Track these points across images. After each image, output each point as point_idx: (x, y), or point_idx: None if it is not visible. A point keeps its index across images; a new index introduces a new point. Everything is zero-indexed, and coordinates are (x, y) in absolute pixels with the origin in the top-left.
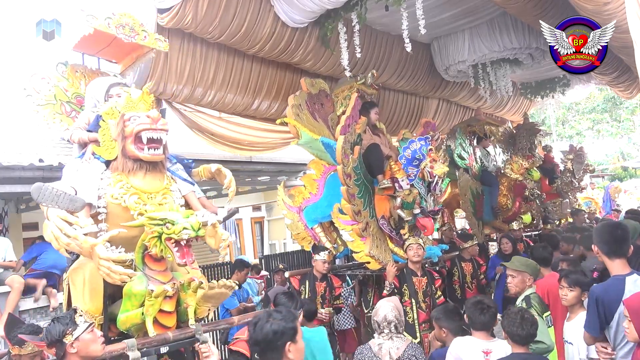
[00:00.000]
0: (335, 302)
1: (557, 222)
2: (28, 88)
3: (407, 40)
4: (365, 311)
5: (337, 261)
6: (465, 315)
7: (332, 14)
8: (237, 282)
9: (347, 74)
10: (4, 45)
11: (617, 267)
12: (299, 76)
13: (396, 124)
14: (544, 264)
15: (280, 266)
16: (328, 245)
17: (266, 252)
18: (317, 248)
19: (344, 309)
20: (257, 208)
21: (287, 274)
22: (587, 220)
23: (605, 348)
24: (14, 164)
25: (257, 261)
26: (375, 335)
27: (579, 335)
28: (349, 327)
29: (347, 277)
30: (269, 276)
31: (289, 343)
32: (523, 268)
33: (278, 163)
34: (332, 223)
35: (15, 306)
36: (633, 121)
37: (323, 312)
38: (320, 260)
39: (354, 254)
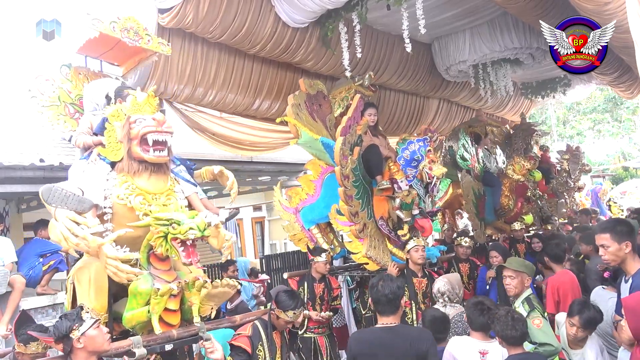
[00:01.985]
0: (333, 303)
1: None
2: (33, 89)
3: (407, 40)
4: (363, 312)
5: (335, 262)
6: (464, 315)
7: (332, 14)
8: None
9: (348, 74)
10: (4, 45)
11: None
12: (300, 76)
13: (397, 124)
14: (556, 261)
15: None
16: (325, 246)
17: (267, 252)
18: (317, 250)
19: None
20: (257, 208)
21: (285, 275)
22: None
23: None
24: (15, 164)
25: (256, 262)
26: (436, 305)
27: None
28: (344, 324)
29: (348, 278)
30: (269, 280)
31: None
32: (522, 269)
33: (278, 163)
34: (328, 224)
35: (16, 306)
36: (634, 121)
37: (323, 316)
38: (321, 262)
39: (352, 255)
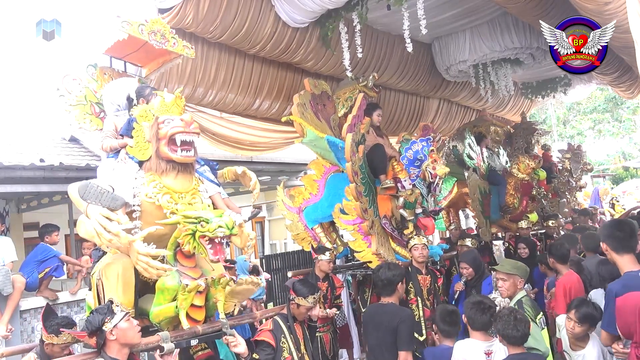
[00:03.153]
0: (336, 301)
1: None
2: (61, 89)
3: (408, 40)
4: (363, 310)
5: (338, 261)
6: (463, 315)
7: (333, 14)
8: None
9: (348, 74)
10: (4, 45)
11: (627, 262)
12: (300, 76)
13: (397, 124)
14: (563, 261)
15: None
16: (328, 245)
17: (267, 252)
18: (320, 249)
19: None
20: (257, 208)
21: (289, 274)
22: (590, 221)
23: (620, 346)
24: (15, 164)
25: (257, 262)
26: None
27: None
28: (345, 323)
29: (349, 278)
30: (270, 279)
31: (400, 283)
32: (514, 271)
33: (279, 163)
34: (332, 223)
35: (16, 306)
36: (634, 121)
37: (329, 312)
38: (325, 260)
39: (355, 254)
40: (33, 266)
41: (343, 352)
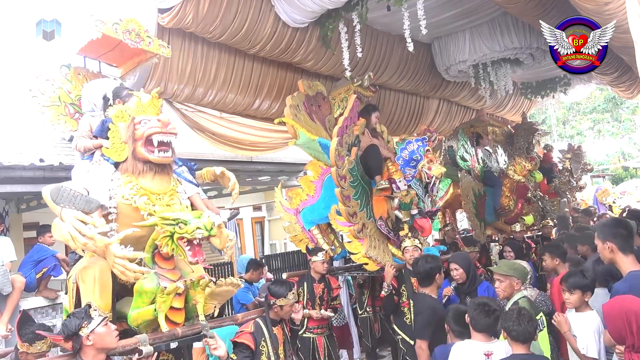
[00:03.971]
0: (332, 303)
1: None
2: (33, 89)
3: (408, 40)
4: (360, 312)
5: (336, 263)
6: (466, 316)
7: (332, 14)
8: (250, 280)
9: (347, 73)
10: (4, 45)
11: (630, 262)
12: (300, 76)
13: (397, 124)
14: (564, 259)
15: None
16: (325, 247)
17: (267, 252)
18: (314, 250)
19: (339, 308)
20: (257, 208)
21: (284, 276)
22: (592, 222)
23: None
24: (15, 164)
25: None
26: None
27: (583, 329)
28: (345, 322)
29: (349, 278)
30: (272, 279)
31: (438, 274)
32: (511, 272)
33: (279, 163)
34: (329, 225)
35: (16, 306)
36: (634, 121)
37: (323, 314)
38: (319, 261)
39: (351, 256)
40: (30, 266)
41: (343, 352)
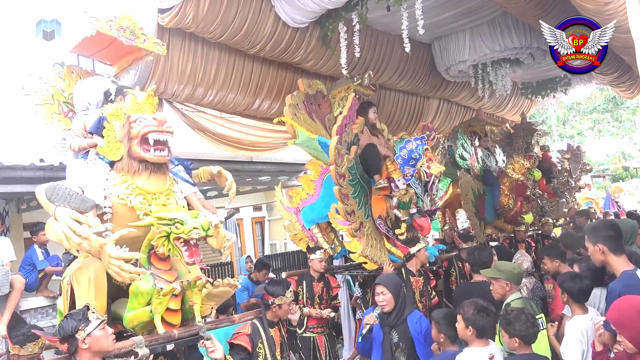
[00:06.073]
0: (332, 302)
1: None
2: (26, 87)
3: (406, 41)
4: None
5: (336, 262)
6: (457, 324)
7: (332, 14)
8: (257, 280)
9: (344, 72)
10: (4, 45)
11: (622, 262)
12: (300, 76)
13: (397, 124)
14: (563, 259)
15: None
16: (325, 246)
17: (267, 252)
18: (312, 248)
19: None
20: (257, 208)
21: (284, 275)
22: (589, 222)
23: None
24: (15, 164)
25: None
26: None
27: (567, 333)
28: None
29: (349, 278)
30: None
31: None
32: (497, 274)
33: (279, 163)
34: (329, 224)
35: (16, 306)
36: (634, 121)
37: (323, 313)
38: (317, 260)
39: (350, 254)
40: (28, 269)
41: (344, 353)
